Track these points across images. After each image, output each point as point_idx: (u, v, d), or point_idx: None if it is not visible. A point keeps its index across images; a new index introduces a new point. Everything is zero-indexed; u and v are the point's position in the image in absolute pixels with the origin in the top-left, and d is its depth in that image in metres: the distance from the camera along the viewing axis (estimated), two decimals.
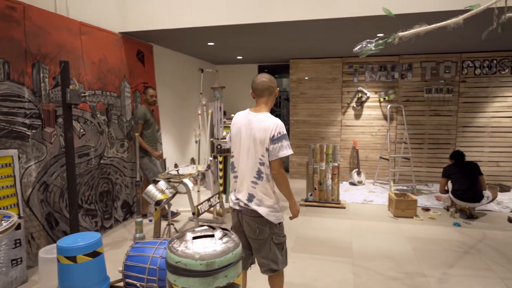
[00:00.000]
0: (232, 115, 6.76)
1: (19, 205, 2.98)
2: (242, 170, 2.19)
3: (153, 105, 4.63)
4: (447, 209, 4.99)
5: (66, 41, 3.64)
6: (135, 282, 2.50)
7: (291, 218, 2.31)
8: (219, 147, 4.58)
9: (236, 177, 2.25)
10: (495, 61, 6.21)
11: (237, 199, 2.23)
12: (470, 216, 4.67)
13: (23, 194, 3.10)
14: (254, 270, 2.41)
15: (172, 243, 1.70)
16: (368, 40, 2.47)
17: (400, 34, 2.41)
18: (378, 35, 4.03)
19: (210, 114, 4.86)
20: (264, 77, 2.22)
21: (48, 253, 2.74)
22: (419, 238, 4.00)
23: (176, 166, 4.13)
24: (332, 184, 5.21)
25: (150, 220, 4.50)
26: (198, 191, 4.63)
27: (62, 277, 2.30)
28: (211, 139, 5.42)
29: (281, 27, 4.28)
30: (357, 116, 6.91)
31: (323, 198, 5.26)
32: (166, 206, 3.69)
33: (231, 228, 2.37)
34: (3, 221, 2.04)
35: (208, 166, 4.59)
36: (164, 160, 5.51)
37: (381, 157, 6.62)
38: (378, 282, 3.00)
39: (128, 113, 4.65)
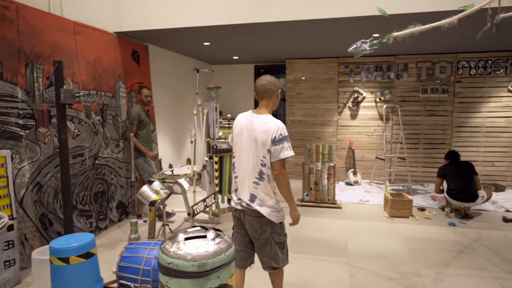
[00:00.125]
0: (229, 115, 6.81)
1: (12, 206, 2.96)
2: (244, 170, 2.22)
3: (147, 105, 4.61)
4: (443, 209, 5.01)
5: (60, 40, 3.61)
6: (129, 283, 2.49)
7: (291, 224, 2.35)
8: (215, 147, 4.56)
9: (237, 177, 2.28)
10: (490, 61, 6.24)
11: (239, 199, 2.25)
12: (465, 215, 4.69)
13: (16, 195, 3.07)
14: (257, 267, 2.44)
15: (164, 244, 1.69)
16: (362, 40, 2.47)
17: (395, 34, 2.41)
18: (374, 35, 4.04)
19: (206, 114, 4.85)
20: (265, 80, 2.24)
21: (41, 254, 2.73)
22: (415, 238, 4.01)
23: (170, 166, 4.12)
24: (328, 184, 5.21)
25: (145, 221, 4.48)
26: (194, 191, 4.61)
27: (54, 279, 2.29)
28: (207, 139, 5.42)
29: (277, 27, 4.27)
30: (353, 116, 6.92)
31: (319, 198, 5.26)
32: (161, 207, 3.67)
33: (232, 228, 2.40)
34: None
35: (204, 167, 4.58)
36: (160, 161, 5.49)
37: (377, 157, 6.64)
38: (374, 282, 3.00)
39: (123, 113, 4.63)
